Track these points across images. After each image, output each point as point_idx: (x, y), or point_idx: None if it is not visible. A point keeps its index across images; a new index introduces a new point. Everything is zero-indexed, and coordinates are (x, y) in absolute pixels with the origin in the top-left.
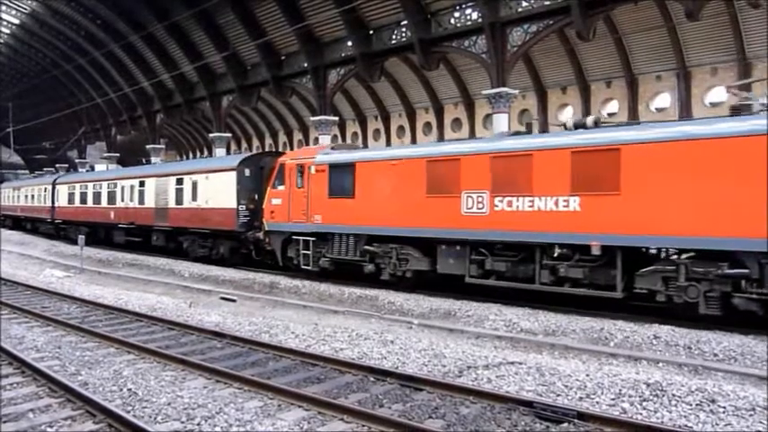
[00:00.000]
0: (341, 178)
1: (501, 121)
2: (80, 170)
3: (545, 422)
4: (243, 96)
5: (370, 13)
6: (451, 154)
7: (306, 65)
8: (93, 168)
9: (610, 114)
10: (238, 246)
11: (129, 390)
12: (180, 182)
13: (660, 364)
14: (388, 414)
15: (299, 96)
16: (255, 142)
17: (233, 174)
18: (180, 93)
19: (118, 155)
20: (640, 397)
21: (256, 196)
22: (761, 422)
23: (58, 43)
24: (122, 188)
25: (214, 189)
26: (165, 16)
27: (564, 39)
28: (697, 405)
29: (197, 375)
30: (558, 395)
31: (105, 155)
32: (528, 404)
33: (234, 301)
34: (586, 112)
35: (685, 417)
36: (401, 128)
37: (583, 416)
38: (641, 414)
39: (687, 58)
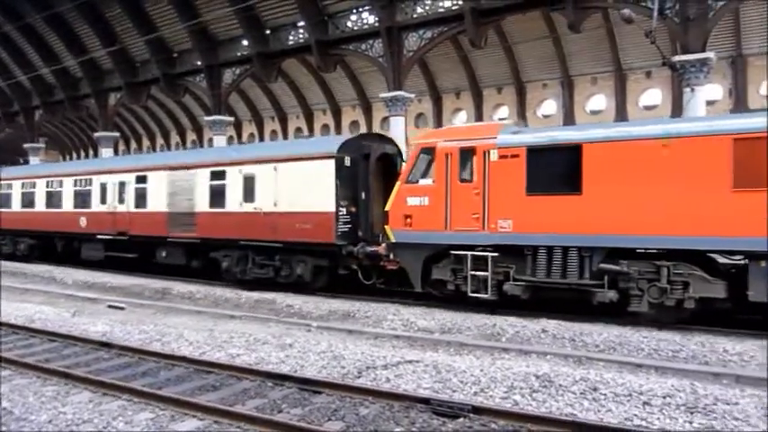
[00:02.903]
0: (553, 167)
1: (398, 125)
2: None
3: (442, 418)
4: (132, 94)
5: (266, 13)
6: None
7: (200, 63)
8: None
9: (501, 118)
10: (332, 264)
11: (5, 409)
12: (219, 176)
13: (548, 357)
14: (286, 419)
15: (192, 95)
16: (146, 142)
17: (330, 163)
18: (62, 88)
19: None
20: (530, 389)
21: (363, 195)
22: (636, 407)
23: None
24: (102, 186)
25: (291, 185)
26: (45, 6)
27: (458, 45)
28: (581, 393)
29: (82, 389)
30: (454, 391)
31: None
32: (425, 401)
33: (123, 308)
34: (479, 118)
35: (571, 405)
36: (299, 129)
37: (477, 410)
38: (531, 405)
39: (570, 67)
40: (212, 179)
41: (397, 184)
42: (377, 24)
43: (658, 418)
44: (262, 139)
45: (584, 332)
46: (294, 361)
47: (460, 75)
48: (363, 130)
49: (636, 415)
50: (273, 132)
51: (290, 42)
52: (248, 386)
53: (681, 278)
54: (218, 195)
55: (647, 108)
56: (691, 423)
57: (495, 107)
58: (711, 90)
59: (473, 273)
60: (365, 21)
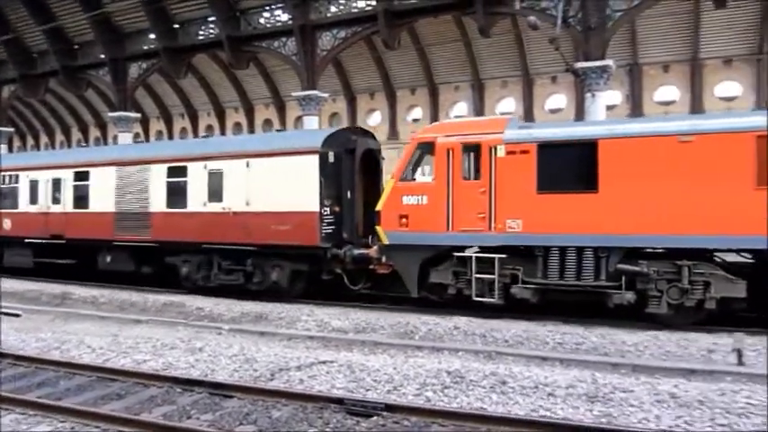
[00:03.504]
0: (566, 164)
1: (311, 124)
2: None
3: (355, 417)
4: (28, 87)
5: (175, 6)
6: None
7: (103, 56)
8: None
9: (414, 120)
10: (313, 269)
11: None
12: (178, 172)
13: (460, 353)
14: (196, 425)
15: (95, 90)
16: (44, 139)
17: (313, 159)
18: None
19: None
20: (442, 385)
21: (348, 193)
22: (541, 398)
23: None
24: (33, 183)
25: (267, 183)
26: None
27: (372, 46)
28: (491, 388)
29: None
30: (368, 390)
31: None
32: (339, 401)
33: (18, 315)
34: (392, 119)
35: (481, 399)
36: (210, 127)
37: (391, 408)
38: (443, 401)
39: (481, 71)
40: (170, 176)
41: (390, 181)
42: (290, 22)
43: (562, 408)
44: (171, 137)
45: (494, 328)
46: (204, 365)
47: (375, 75)
48: (277, 128)
49: (541, 406)
50: (183, 130)
51: (200, 37)
52: (155, 393)
53: (702, 278)
54: (177, 194)
55: (553, 111)
56: (591, 411)
57: (409, 108)
58: (611, 96)
59: (480, 276)
60: (278, 18)
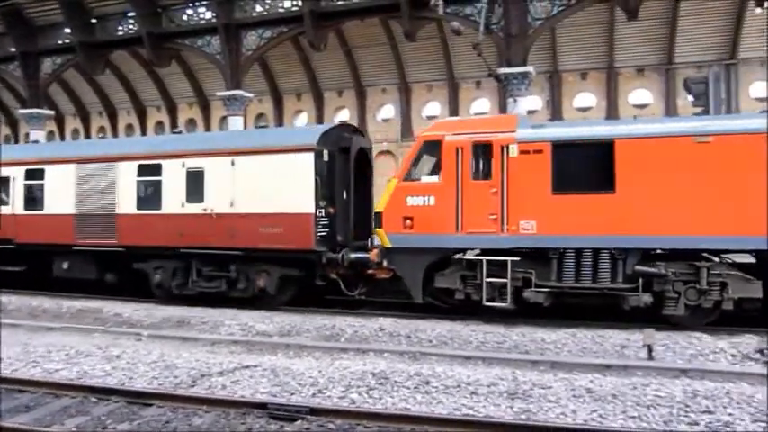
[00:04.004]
0: (581, 163)
1: (236, 124)
2: None
3: (279, 422)
4: None
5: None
6: None
7: (14, 49)
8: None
9: (341, 122)
10: (305, 274)
11: None
12: (151, 170)
13: (385, 354)
14: None
15: (4, 85)
16: None
17: (308, 157)
18: None
19: None
20: (367, 386)
21: (344, 194)
22: (464, 396)
23: None
24: None
25: (256, 182)
26: None
27: (299, 47)
28: (415, 388)
29: None
30: (293, 394)
31: None
32: (262, 406)
33: None
34: (320, 120)
35: (405, 400)
36: (130, 126)
37: (315, 411)
38: (368, 402)
39: (408, 74)
40: (141, 174)
41: (393, 181)
42: (214, 20)
43: (484, 406)
44: (88, 135)
45: (419, 329)
46: (122, 373)
47: (302, 76)
48: (201, 129)
49: (464, 404)
50: (102, 129)
51: (120, 33)
52: (68, 403)
53: (719, 279)
54: (149, 194)
55: (478, 116)
56: (512, 408)
57: (337, 110)
58: (532, 101)
59: (491, 279)
60: (202, 16)
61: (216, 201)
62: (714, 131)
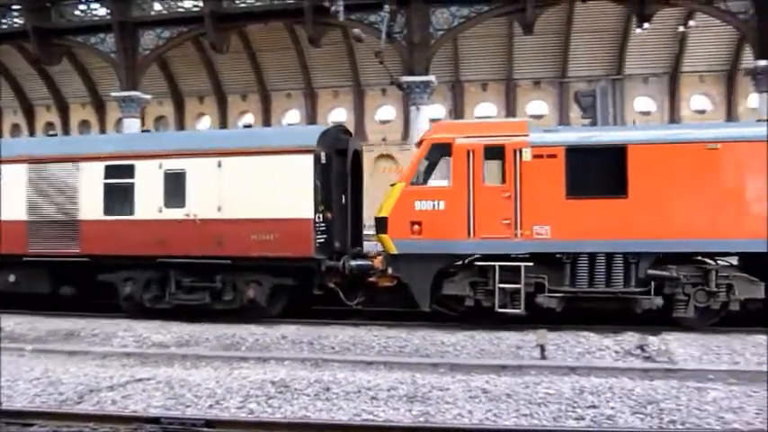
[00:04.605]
0: (595, 168)
1: (132, 127)
2: None
3: None
4: None
5: None
6: None
7: None
8: None
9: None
10: (300, 283)
11: None
12: (121, 172)
13: (286, 362)
14: None
15: None
16: None
17: (307, 159)
18: None
19: None
20: (267, 395)
21: (343, 198)
22: (364, 401)
23: None
24: None
25: (246, 185)
26: None
27: (200, 48)
28: (315, 395)
29: None
30: (188, 406)
31: None
32: (155, 420)
33: None
34: (223, 125)
35: (305, 408)
36: (16, 126)
37: (211, 423)
38: (267, 411)
39: (313, 79)
40: (109, 177)
41: (399, 185)
42: (109, 17)
43: (383, 410)
44: None
45: (322, 335)
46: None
47: (204, 79)
48: (96, 130)
49: (364, 410)
50: None
51: (3, 26)
52: None
53: (726, 281)
54: (119, 198)
55: (383, 122)
56: (411, 411)
57: (240, 114)
58: (435, 109)
59: (504, 285)
60: (95, 12)
61: (200, 205)
62: (722, 138)
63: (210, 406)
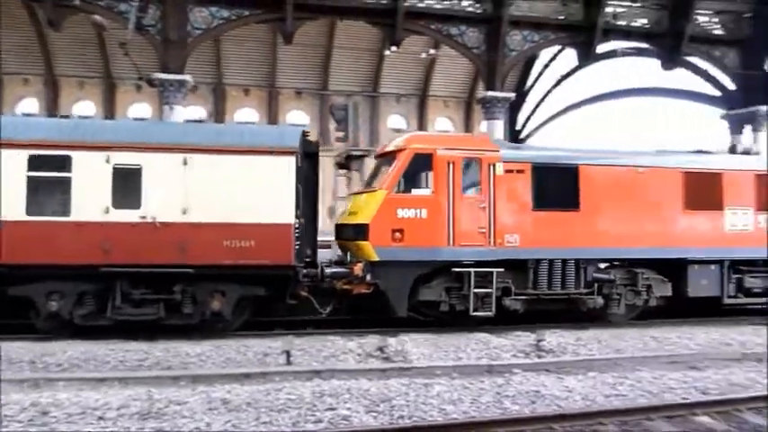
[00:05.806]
0: (555, 184)
1: None
2: None
3: None
4: None
5: None
6: (712, 168)
7: None
8: None
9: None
10: (272, 293)
11: None
12: (52, 164)
13: None
14: None
15: None
16: None
17: (289, 161)
18: None
19: None
20: None
21: (312, 204)
22: (90, 423)
23: None
24: None
25: (219, 186)
26: None
27: None
28: (29, 421)
29: None
30: None
31: None
32: None
33: None
34: None
35: None
36: None
37: None
38: None
39: (55, 66)
40: (35, 168)
41: (380, 192)
42: None
43: (112, 430)
44: None
45: (46, 353)
46: None
47: None
48: None
49: None
50: None
51: None
52: None
53: (647, 282)
54: (49, 195)
55: (136, 120)
56: (143, 429)
57: None
58: (194, 111)
59: (478, 290)
60: None
61: (160, 207)
62: (647, 164)
63: None
